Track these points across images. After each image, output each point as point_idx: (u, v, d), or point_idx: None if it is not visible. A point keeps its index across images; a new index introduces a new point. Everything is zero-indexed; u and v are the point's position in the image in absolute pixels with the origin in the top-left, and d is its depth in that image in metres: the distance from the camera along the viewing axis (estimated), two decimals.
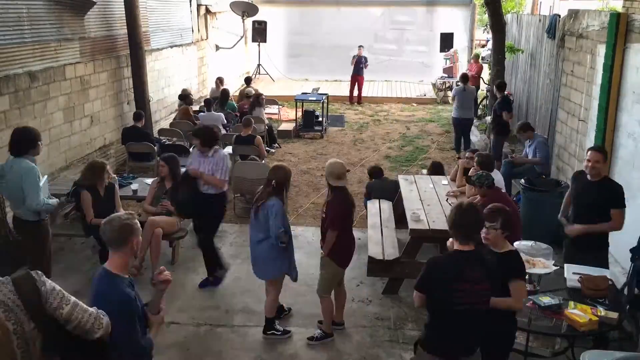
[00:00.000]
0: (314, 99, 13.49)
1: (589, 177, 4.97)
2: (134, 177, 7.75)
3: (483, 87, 15.25)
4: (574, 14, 8.34)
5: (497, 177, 6.53)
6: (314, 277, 6.41)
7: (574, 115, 7.97)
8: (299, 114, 12.98)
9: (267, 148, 10.11)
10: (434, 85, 18.16)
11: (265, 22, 18.13)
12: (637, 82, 6.13)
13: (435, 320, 3.47)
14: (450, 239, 3.63)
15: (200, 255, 6.49)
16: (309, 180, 9.81)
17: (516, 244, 4.86)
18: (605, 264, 5.02)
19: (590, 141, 7.09)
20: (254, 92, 12.61)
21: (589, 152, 4.98)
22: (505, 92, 11.36)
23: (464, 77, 11.50)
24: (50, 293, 2.60)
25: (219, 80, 13.32)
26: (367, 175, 8.37)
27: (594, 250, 4.98)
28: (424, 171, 8.40)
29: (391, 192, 7.54)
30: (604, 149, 5.35)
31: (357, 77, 16.35)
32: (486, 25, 16.89)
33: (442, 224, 5.94)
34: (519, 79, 12.84)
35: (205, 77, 14.80)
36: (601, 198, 4.87)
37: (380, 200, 7.48)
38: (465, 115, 11.12)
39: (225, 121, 10.67)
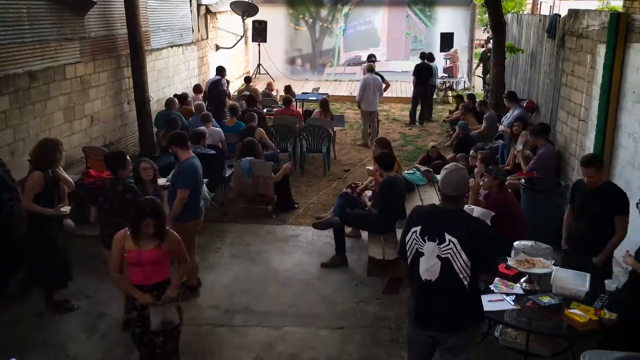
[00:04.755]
0: (314, 98, 13.49)
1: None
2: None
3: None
4: (574, 14, 8.34)
5: None
6: (314, 277, 6.44)
7: (574, 115, 7.97)
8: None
9: None
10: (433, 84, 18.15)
11: (265, 22, 18.13)
12: (637, 82, 6.13)
13: None
14: None
15: (199, 256, 6.48)
16: (309, 180, 9.81)
17: (516, 243, 4.87)
18: (609, 269, 5.01)
19: (590, 141, 7.09)
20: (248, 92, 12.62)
21: (581, 168, 4.85)
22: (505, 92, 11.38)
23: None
24: None
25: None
26: (367, 175, 8.37)
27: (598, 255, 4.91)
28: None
29: None
30: (595, 158, 5.00)
31: None
32: (486, 25, 16.88)
33: None
34: (519, 79, 12.84)
35: (206, 77, 14.78)
36: (605, 205, 4.77)
37: None
38: None
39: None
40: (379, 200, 6.57)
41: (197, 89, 12.15)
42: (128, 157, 5.50)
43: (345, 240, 6.83)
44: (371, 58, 15.20)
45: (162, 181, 6.36)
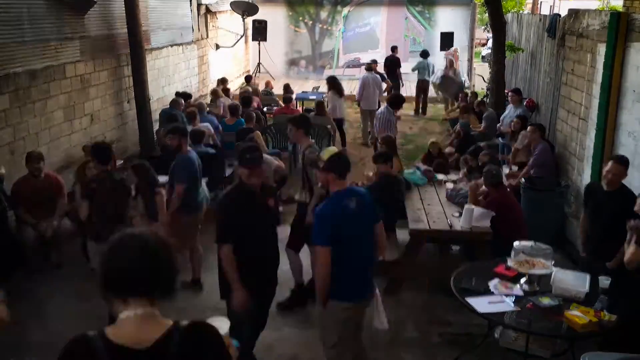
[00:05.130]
0: (314, 97, 13.47)
1: (604, 187, 4.91)
2: None
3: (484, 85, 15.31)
4: (574, 13, 8.33)
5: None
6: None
7: (574, 114, 7.96)
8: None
9: None
10: (434, 84, 18.13)
11: (265, 21, 18.11)
12: (637, 81, 6.12)
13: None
14: None
15: None
16: None
17: (516, 244, 4.86)
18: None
19: (590, 140, 7.09)
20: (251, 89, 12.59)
21: (610, 163, 4.88)
22: (505, 91, 11.39)
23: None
24: None
25: (221, 81, 13.27)
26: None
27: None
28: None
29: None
30: (626, 159, 5.04)
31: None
32: (486, 25, 16.86)
33: (442, 224, 5.95)
34: (519, 78, 12.83)
35: (206, 75, 14.79)
36: (619, 208, 4.74)
37: None
38: None
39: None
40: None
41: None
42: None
43: None
44: (374, 60, 15.19)
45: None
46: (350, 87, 17.58)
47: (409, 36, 19.66)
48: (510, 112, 9.67)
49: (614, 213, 4.78)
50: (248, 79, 14.48)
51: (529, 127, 8.09)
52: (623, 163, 4.90)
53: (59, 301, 5.74)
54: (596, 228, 5.07)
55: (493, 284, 4.58)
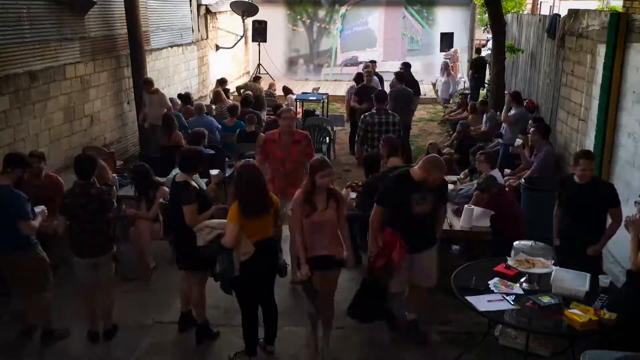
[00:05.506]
0: (314, 98, 13.48)
1: (577, 180, 5.04)
2: None
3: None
4: (574, 13, 8.34)
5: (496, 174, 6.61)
6: None
7: (574, 115, 7.96)
8: (299, 113, 12.94)
9: None
10: (434, 85, 18.17)
11: (265, 22, 18.13)
12: (637, 82, 6.12)
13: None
14: None
15: None
16: None
17: (516, 243, 4.87)
18: (599, 267, 5.09)
19: (590, 141, 7.09)
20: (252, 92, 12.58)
21: (582, 161, 4.99)
22: (506, 92, 11.40)
23: None
24: None
25: (220, 82, 13.25)
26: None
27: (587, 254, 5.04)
28: None
29: None
30: (592, 152, 5.44)
31: None
32: (486, 25, 16.88)
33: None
34: (519, 78, 12.84)
35: (206, 76, 14.81)
36: (599, 199, 4.93)
37: None
38: None
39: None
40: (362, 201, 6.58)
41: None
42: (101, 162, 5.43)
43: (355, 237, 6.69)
44: (373, 61, 15.14)
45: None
46: (349, 87, 17.62)
47: (406, 35, 19.71)
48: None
49: (591, 204, 4.94)
50: (256, 79, 14.36)
51: (531, 130, 8.07)
52: (590, 157, 5.10)
53: (57, 301, 5.71)
54: (570, 220, 5.17)
55: (493, 282, 4.58)
